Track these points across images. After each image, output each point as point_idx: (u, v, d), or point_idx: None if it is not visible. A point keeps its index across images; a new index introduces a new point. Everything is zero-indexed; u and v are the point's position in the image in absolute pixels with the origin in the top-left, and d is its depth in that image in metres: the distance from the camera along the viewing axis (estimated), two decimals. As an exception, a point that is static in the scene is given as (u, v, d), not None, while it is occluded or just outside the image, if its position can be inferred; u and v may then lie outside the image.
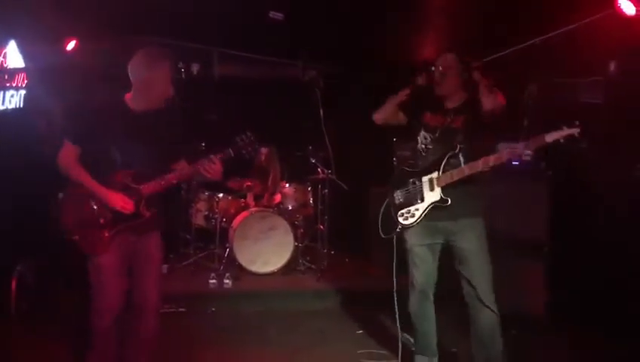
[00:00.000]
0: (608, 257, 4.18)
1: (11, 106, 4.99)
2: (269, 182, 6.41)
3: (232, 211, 6.11)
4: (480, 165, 3.07)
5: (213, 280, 5.26)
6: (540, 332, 4.16)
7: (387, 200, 3.51)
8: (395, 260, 3.53)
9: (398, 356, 3.54)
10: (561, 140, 2.84)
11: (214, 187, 6.12)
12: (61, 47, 5.45)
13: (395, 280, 3.55)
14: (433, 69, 3.33)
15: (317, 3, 5.17)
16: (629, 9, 3.95)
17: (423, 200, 3.29)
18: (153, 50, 2.93)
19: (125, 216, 2.86)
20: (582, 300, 4.22)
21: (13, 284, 4.21)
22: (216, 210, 6.00)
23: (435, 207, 3.24)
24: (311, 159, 6.10)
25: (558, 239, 4.43)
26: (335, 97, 6.48)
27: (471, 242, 3.22)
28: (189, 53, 6.48)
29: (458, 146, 3.17)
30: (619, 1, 3.96)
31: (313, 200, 6.23)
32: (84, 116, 2.94)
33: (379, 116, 3.68)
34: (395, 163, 6.32)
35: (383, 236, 3.50)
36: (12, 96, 4.98)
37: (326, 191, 6.07)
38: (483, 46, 5.73)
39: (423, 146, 3.36)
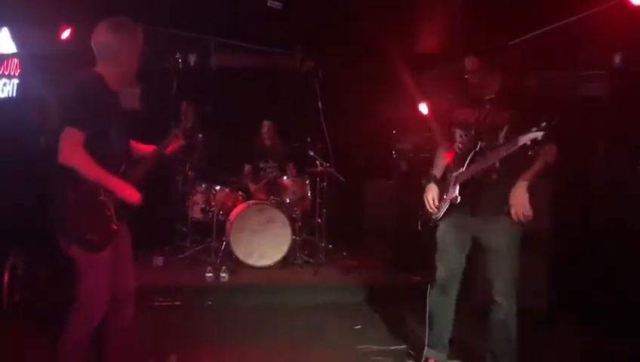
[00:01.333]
0: (611, 254, 4.12)
1: (4, 95, 4.92)
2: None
3: (229, 204, 6.05)
4: (490, 160, 3.01)
5: (210, 274, 5.19)
6: (541, 329, 4.11)
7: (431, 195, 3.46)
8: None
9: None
10: (528, 143, 2.76)
11: (212, 179, 6.07)
12: (55, 36, 5.36)
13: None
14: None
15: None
16: (636, -1, 3.88)
17: (447, 195, 3.30)
18: (120, 19, 2.71)
19: (127, 206, 2.77)
20: (584, 297, 4.16)
21: (5, 276, 4.15)
22: (213, 203, 5.94)
23: (451, 204, 3.24)
24: (309, 152, 6.03)
25: (561, 235, 4.37)
26: (334, 89, 6.41)
27: (491, 240, 3.15)
28: (186, 43, 6.39)
29: (479, 144, 3.11)
30: (626, -9, 3.89)
31: (311, 193, 6.16)
32: (83, 98, 2.61)
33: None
34: (394, 155, 6.27)
35: (419, 228, 3.54)
36: (4, 85, 4.91)
37: (324, 184, 6.00)
38: (485, 37, 5.68)
39: (461, 145, 3.27)
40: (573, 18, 4.55)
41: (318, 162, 5.98)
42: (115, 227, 2.76)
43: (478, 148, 3.11)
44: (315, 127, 5.93)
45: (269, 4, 5.25)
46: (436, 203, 3.34)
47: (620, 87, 4.42)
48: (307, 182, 6.14)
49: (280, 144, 6.58)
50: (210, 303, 4.80)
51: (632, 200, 4.16)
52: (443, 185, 3.36)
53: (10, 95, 4.92)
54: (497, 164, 3.01)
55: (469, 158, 3.15)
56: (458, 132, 3.29)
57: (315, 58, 6.69)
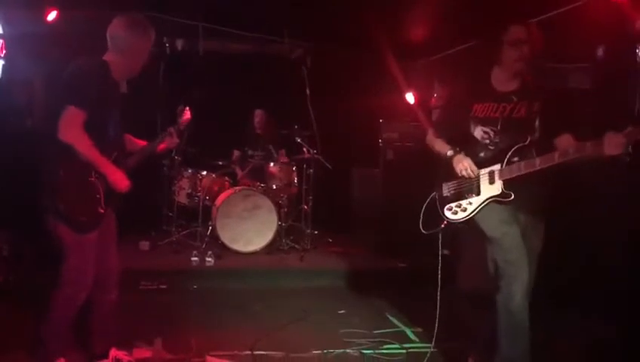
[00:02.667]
0: (601, 243, 4.18)
1: (-11, 76, 4.87)
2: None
3: (216, 189, 6.07)
4: (556, 157, 2.71)
5: (196, 258, 5.23)
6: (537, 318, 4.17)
7: (433, 193, 3.22)
8: (440, 258, 3.26)
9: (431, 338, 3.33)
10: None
11: (198, 164, 6.08)
12: (41, 17, 5.30)
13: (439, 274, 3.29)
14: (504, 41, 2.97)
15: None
16: (619, -7, 3.93)
17: (479, 193, 3.00)
18: (138, 17, 2.85)
19: (116, 191, 2.82)
20: (580, 286, 4.22)
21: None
22: (199, 188, 5.96)
23: (496, 201, 2.95)
24: (296, 138, 6.06)
25: (552, 225, 4.42)
26: (322, 76, 6.42)
27: (531, 240, 2.96)
28: (173, 28, 6.35)
29: (529, 138, 2.88)
30: (609, -15, 3.94)
31: (298, 180, 6.20)
32: (86, 79, 2.69)
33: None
34: (380, 144, 6.32)
35: (424, 232, 3.21)
36: (-10, 65, 4.85)
37: (311, 171, 6.04)
38: (470, 29, 5.73)
39: (488, 141, 3.03)
40: (557, 11, 4.60)
41: (305, 149, 6.01)
42: (102, 210, 2.79)
43: (521, 145, 2.88)
44: (302, 114, 5.96)
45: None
46: (475, 168, 3.00)
47: (603, 79, 4.48)
48: (294, 168, 6.17)
49: (271, 132, 6.62)
50: (195, 287, 4.84)
51: (619, 192, 4.21)
52: (461, 183, 3.07)
53: (-5, 76, 4.88)
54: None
55: (509, 154, 2.90)
56: (480, 128, 3.05)
57: (304, 45, 6.70)
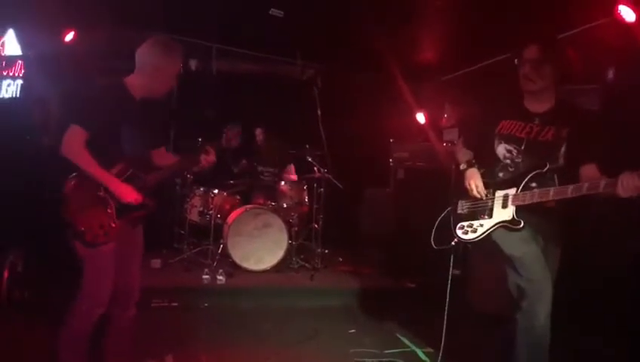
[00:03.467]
0: (603, 258, 4.17)
1: (8, 95, 4.98)
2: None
3: (227, 207, 6.11)
4: (569, 192, 2.64)
5: (207, 276, 5.24)
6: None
7: (448, 208, 3.17)
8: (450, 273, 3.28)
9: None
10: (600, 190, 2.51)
11: (209, 183, 6.13)
12: (59, 38, 5.44)
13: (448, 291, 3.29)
14: (517, 61, 2.93)
15: (317, 1, 5.17)
16: (629, 16, 3.96)
17: (490, 216, 2.94)
18: (170, 41, 2.90)
19: (132, 206, 2.83)
20: (578, 300, 4.20)
21: (5, 273, 4.19)
22: (211, 206, 5.99)
23: (505, 227, 2.89)
24: (307, 157, 6.11)
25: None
26: (333, 97, 6.50)
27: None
28: (187, 49, 6.43)
29: (547, 165, 2.80)
30: (619, 8, 3.98)
31: (308, 199, 6.23)
32: (95, 100, 2.82)
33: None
34: (391, 163, 6.35)
35: (435, 247, 3.17)
36: (9, 85, 4.97)
37: (321, 190, 6.07)
38: (481, 51, 5.79)
39: (509, 161, 2.97)
40: (567, 33, 4.64)
41: (315, 168, 6.05)
42: (114, 225, 2.81)
43: (539, 171, 2.82)
44: (313, 134, 6.01)
45: (270, 12, 5.34)
46: (483, 190, 2.99)
47: (612, 101, 4.50)
48: (305, 187, 6.20)
49: (279, 148, 6.68)
50: (206, 305, 4.85)
51: (624, 212, 4.21)
52: (477, 202, 3.02)
53: (13, 95, 4.98)
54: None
55: (526, 179, 2.84)
56: (503, 146, 2.99)
57: (315, 66, 6.79)
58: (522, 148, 2.92)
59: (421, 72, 6.79)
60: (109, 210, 2.80)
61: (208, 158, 3.07)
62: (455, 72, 6.85)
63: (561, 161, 2.85)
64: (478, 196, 2.99)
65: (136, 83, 2.87)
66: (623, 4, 3.98)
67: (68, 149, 2.71)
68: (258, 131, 6.86)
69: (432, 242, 3.19)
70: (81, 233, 2.74)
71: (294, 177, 6.40)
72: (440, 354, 3.24)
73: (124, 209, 2.84)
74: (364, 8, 5.11)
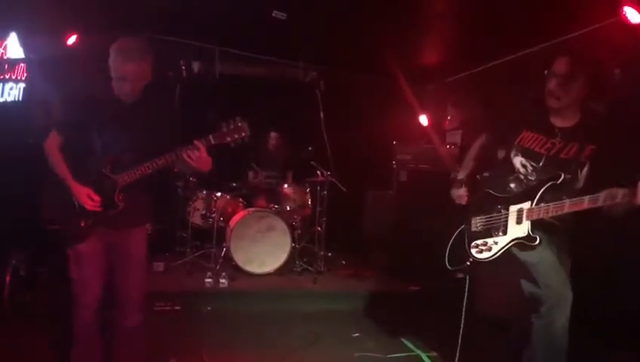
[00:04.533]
0: (609, 264, 4.14)
1: (10, 99, 4.97)
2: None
3: (230, 210, 6.09)
4: (586, 203, 2.55)
5: (210, 279, 5.22)
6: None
7: (462, 226, 3.07)
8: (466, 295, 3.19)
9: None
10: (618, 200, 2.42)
11: (213, 186, 6.12)
12: (62, 42, 5.43)
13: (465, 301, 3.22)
14: (546, 72, 2.83)
15: (319, 4, 5.16)
16: (634, 17, 3.94)
17: (505, 233, 2.85)
18: (125, 44, 2.78)
19: (100, 206, 2.82)
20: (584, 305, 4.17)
21: (8, 277, 4.18)
22: (214, 209, 5.98)
23: (520, 245, 2.82)
24: (310, 161, 6.09)
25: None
26: (336, 99, 6.48)
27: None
28: (190, 52, 6.47)
29: (562, 175, 2.71)
30: (624, 9, 3.95)
31: (311, 202, 6.21)
32: (70, 105, 2.94)
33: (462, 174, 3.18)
34: (394, 166, 6.33)
35: (450, 268, 3.08)
36: (11, 88, 4.96)
37: (325, 192, 6.05)
38: (485, 52, 5.77)
39: (522, 176, 2.91)
40: (572, 35, 4.62)
41: (318, 171, 6.03)
42: (83, 224, 2.81)
43: (553, 183, 2.73)
44: (316, 137, 6.00)
45: (273, 14, 5.33)
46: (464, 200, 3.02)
47: (618, 103, 4.47)
48: (307, 190, 6.18)
49: (285, 154, 6.67)
50: (209, 308, 4.83)
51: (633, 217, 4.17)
52: (491, 219, 2.95)
53: (16, 99, 4.97)
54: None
55: (541, 192, 2.75)
56: (519, 159, 2.91)
57: (318, 69, 6.77)
58: (540, 165, 2.84)
59: (424, 74, 6.78)
60: (78, 209, 2.82)
61: (192, 153, 2.78)
62: (458, 73, 6.83)
63: (581, 183, 2.76)
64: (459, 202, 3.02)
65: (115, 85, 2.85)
66: (629, 5, 3.95)
67: (45, 150, 2.88)
68: (273, 135, 6.78)
69: (447, 263, 3.10)
70: (58, 231, 2.82)
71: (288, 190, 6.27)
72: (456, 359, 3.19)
73: (96, 211, 2.83)
74: (367, 10, 5.09)
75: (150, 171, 2.83)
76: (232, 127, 2.83)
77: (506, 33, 4.95)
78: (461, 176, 3.12)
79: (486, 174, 3.19)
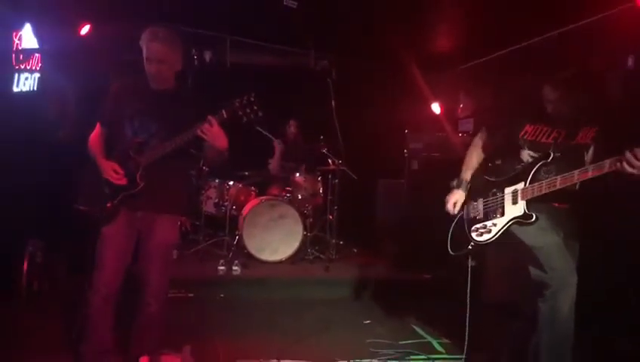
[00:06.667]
0: (612, 255, 4.11)
1: (25, 89, 5.01)
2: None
3: (242, 199, 6.13)
4: (575, 177, 2.61)
5: (222, 267, 5.28)
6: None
7: (461, 212, 3.16)
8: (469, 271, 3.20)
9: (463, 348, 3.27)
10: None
11: (226, 174, 6.16)
12: (75, 31, 5.47)
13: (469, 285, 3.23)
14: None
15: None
16: (648, 3, 3.89)
17: (502, 214, 2.92)
18: (156, 28, 2.94)
19: (124, 186, 2.95)
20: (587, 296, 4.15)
21: (24, 264, 4.25)
22: (227, 198, 6.02)
23: (518, 223, 2.87)
24: (322, 149, 6.10)
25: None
26: (347, 88, 6.47)
27: None
28: (201, 41, 6.48)
29: (551, 155, 2.78)
30: (638, -5, 3.91)
31: (323, 190, 6.23)
32: (107, 98, 3.09)
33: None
34: (406, 154, 6.32)
35: (452, 253, 3.14)
36: (27, 78, 4.99)
37: (336, 181, 6.06)
38: (497, 39, 5.72)
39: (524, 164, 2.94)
40: (586, 20, 4.57)
41: (330, 160, 6.04)
42: (109, 205, 2.93)
43: (544, 162, 2.80)
44: (327, 125, 6.00)
45: (284, 2, 5.32)
46: (456, 209, 3.12)
47: (633, 89, 4.42)
48: (319, 179, 6.20)
49: (301, 143, 6.71)
50: (222, 295, 4.89)
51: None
52: (488, 202, 3.02)
53: (31, 89, 5.01)
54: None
55: (533, 171, 2.82)
56: (527, 152, 2.93)
57: (329, 57, 6.76)
58: (549, 159, 2.82)
59: (436, 61, 6.73)
60: (107, 190, 2.96)
61: (206, 128, 2.80)
62: (471, 61, 6.78)
63: (588, 162, 2.78)
64: (450, 211, 3.12)
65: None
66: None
67: (89, 143, 3.09)
68: (292, 123, 6.80)
69: (449, 249, 3.16)
70: (86, 214, 2.96)
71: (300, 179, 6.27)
72: (465, 345, 3.21)
73: (119, 188, 2.95)
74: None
75: (169, 149, 2.91)
76: (244, 102, 2.86)
77: (518, 20, 4.91)
78: (456, 182, 3.18)
79: (498, 162, 3.19)
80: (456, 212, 3.12)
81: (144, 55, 2.92)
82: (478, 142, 3.23)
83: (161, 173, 2.96)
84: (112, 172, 2.94)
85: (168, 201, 3.05)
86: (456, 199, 3.14)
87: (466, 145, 3.34)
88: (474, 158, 3.21)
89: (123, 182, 2.94)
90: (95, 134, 3.10)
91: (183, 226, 5.94)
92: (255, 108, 2.86)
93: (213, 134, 2.82)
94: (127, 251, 3.03)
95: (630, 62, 4.30)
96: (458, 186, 3.16)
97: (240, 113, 2.85)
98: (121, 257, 3.00)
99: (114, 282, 2.96)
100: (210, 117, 2.82)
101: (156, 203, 3.00)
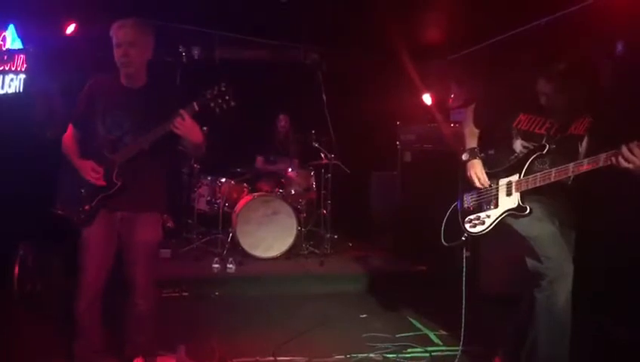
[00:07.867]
0: (611, 247, 4.11)
1: (11, 90, 4.96)
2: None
3: (235, 196, 6.10)
4: (570, 170, 2.61)
5: (217, 265, 5.25)
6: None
7: (455, 203, 3.15)
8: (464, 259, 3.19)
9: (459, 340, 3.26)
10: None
11: (218, 172, 6.12)
12: (60, 31, 5.40)
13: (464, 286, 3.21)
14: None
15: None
16: (638, -12, 3.87)
17: (496, 206, 2.91)
18: (115, 23, 2.88)
19: (101, 187, 2.87)
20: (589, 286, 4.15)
21: (16, 267, 4.21)
22: (219, 195, 5.99)
23: (512, 216, 2.86)
24: (314, 143, 6.07)
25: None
26: (338, 81, 6.43)
27: None
28: (190, 37, 6.42)
29: (547, 146, 2.76)
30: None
31: (316, 185, 6.21)
32: (79, 98, 2.99)
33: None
34: (398, 146, 6.30)
35: (445, 244, 3.13)
36: (12, 80, 4.94)
37: (329, 175, 6.04)
38: (486, 28, 5.70)
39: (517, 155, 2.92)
40: (575, 7, 4.56)
41: (322, 154, 6.02)
42: (87, 207, 2.87)
43: (539, 154, 2.78)
44: (319, 119, 5.97)
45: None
46: (486, 180, 2.96)
47: (623, 75, 4.41)
48: (312, 173, 6.18)
49: (292, 137, 6.67)
50: (217, 293, 4.86)
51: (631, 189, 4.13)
52: (481, 194, 3.01)
53: (17, 90, 4.95)
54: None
55: (527, 163, 2.82)
56: (520, 142, 2.90)
57: (319, 50, 6.71)
58: (544, 151, 2.80)
59: (426, 51, 6.70)
60: (83, 192, 2.90)
61: (178, 122, 2.73)
62: (461, 50, 6.76)
63: (582, 154, 2.78)
64: (482, 187, 2.96)
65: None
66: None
67: (63, 144, 3.02)
68: (282, 117, 6.74)
69: (443, 240, 3.15)
70: (66, 218, 2.91)
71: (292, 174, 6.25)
72: (462, 336, 3.20)
73: (97, 190, 2.88)
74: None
75: (145, 146, 2.83)
76: (215, 92, 2.79)
77: (507, 8, 4.88)
78: (466, 155, 3.06)
79: (491, 152, 3.15)
80: (485, 184, 2.96)
81: (114, 44, 2.83)
82: (470, 115, 3.16)
83: (137, 170, 2.90)
84: (92, 171, 2.85)
85: (147, 199, 2.98)
86: (477, 170, 2.99)
87: (459, 136, 3.30)
88: (472, 129, 3.12)
89: (102, 182, 2.86)
90: (68, 135, 3.02)
91: (166, 224, 5.89)
92: (227, 98, 2.79)
93: (186, 128, 2.75)
94: (108, 254, 2.97)
95: (619, 47, 4.29)
96: (472, 156, 3.03)
97: (212, 104, 2.78)
98: (102, 260, 2.94)
99: (96, 285, 2.92)
100: (181, 110, 2.74)
101: (135, 202, 2.93)
